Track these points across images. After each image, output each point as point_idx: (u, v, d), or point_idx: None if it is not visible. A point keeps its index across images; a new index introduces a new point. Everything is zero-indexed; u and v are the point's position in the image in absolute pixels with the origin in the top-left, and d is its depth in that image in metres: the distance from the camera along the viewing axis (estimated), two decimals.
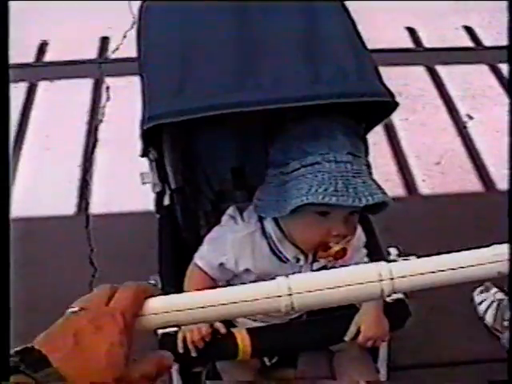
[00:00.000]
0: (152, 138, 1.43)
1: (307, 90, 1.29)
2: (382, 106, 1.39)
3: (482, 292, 2.28)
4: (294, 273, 1.21)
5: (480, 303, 2.26)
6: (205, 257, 1.42)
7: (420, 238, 2.39)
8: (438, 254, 0.79)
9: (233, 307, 0.72)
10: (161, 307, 0.70)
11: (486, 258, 0.77)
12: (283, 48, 1.41)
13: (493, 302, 2.21)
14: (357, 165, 1.28)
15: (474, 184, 2.84)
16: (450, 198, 2.76)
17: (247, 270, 1.40)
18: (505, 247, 0.78)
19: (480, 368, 2.14)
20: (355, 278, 0.74)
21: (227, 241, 1.41)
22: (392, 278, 0.75)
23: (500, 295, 2.23)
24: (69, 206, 2.73)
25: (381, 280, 0.74)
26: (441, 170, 2.90)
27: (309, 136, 1.27)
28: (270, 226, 1.39)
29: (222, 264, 1.41)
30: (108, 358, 0.62)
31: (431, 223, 2.58)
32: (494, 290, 2.26)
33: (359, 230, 1.48)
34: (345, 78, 1.32)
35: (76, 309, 0.66)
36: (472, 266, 0.77)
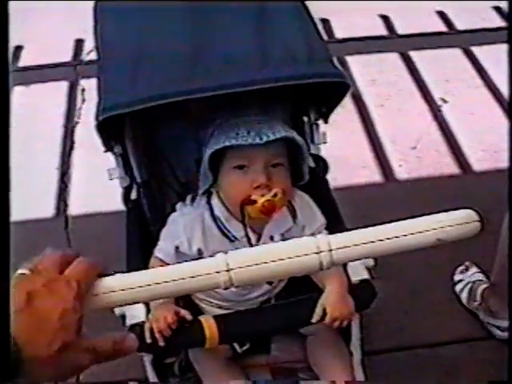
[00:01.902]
0: (112, 132, 1.44)
1: (257, 73, 1.30)
2: (336, 88, 1.40)
3: (461, 272, 2.30)
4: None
5: (457, 283, 2.27)
6: (162, 247, 1.46)
7: (396, 219, 2.40)
8: None
9: (175, 284, 0.74)
10: (116, 285, 0.71)
11: (425, 226, 0.78)
12: (233, 34, 1.42)
13: (469, 282, 2.23)
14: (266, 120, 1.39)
15: (450, 167, 2.85)
16: (427, 182, 2.77)
17: (200, 252, 1.43)
18: (443, 215, 0.79)
19: (462, 347, 2.16)
20: (293, 251, 0.75)
21: (179, 224, 1.47)
22: (330, 250, 0.75)
23: (478, 276, 2.24)
24: (47, 209, 2.73)
25: (319, 252, 0.75)
26: (417, 155, 2.91)
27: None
28: (217, 206, 1.43)
29: (177, 248, 1.45)
30: (61, 321, 0.62)
31: (409, 208, 2.55)
32: (474, 270, 2.27)
33: (317, 211, 1.50)
34: (294, 61, 1.33)
35: (26, 271, 0.67)
36: (411, 234, 0.78)
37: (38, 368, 0.61)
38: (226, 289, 0.75)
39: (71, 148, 3.00)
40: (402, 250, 0.79)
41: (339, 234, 0.78)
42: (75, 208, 2.74)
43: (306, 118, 1.64)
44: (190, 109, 1.46)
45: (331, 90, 1.42)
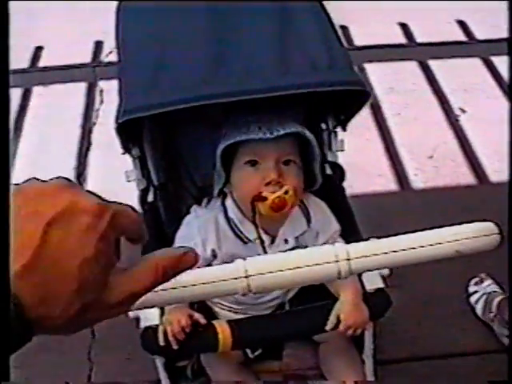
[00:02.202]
0: (131, 135, 1.45)
1: (278, 80, 1.31)
2: (356, 96, 1.40)
3: (476, 284, 2.28)
4: (258, 255, 1.24)
5: (472, 294, 2.26)
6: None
7: (410, 229, 2.39)
8: None
9: (193, 289, 0.73)
10: None
11: (444, 237, 0.78)
12: (255, 40, 1.43)
13: (484, 294, 2.21)
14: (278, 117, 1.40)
15: (466, 177, 2.84)
16: (443, 192, 2.76)
17: (214, 254, 1.43)
18: (463, 227, 0.79)
19: (475, 359, 2.14)
20: (312, 259, 0.75)
21: (193, 226, 1.48)
22: (349, 259, 0.75)
23: (493, 287, 2.23)
24: None
25: (337, 261, 0.75)
26: (433, 164, 2.90)
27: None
28: (230, 207, 1.44)
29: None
30: (79, 275, 0.47)
31: (424, 217, 2.56)
32: (488, 281, 2.26)
33: (332, 217, 1.50)
34: (315, 68, 1.34)
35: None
36: (430, 245, 0.78)
37: (54, 328, 0.48)
38: (243, 295, 0.75)
39: (88, 149, 3.02)
40: (421, 261, 0.79)
41: (358, 244, 0.78)
42: None
43: (323, 125, 1.64)
44: (209, 112, 1.47)
45: (351, 97, 1.42)
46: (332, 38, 1.44)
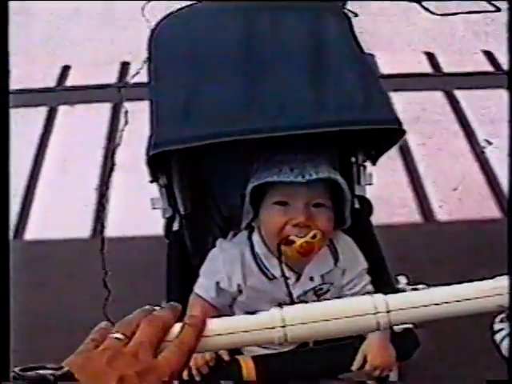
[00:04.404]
0: (160, 164, 1.44)
1: (312, 117, 1.29)
2: (390, 133, 1.38)
3: (501, 321, 2.24)
4: (287, 289, 1.22)
5: (498, 331, 2.22)
6: (202, 284, 1.45)
7: (436, 266, 2.36)
8: (453, 282, 0.78)
9: (229, 337, 0.72)
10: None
11: (486, 291, 0.76)
12: (289, 72, 1.42)
13: (510, 332, 2.17)
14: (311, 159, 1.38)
15: (491, 210, 2.80)
16: (468, 225, 2.72)
17: (240, 289, 1.42)
18: (505, 279, 0.77)
19: None
20: (350, 311, 0.74)
21: (219, 260, 1.46)
22: (388, 311, 0.74)
23: None
24: (84, 229, 2.74)
25: (377, 313, 0.73)
26: (458, 196, 2.86)
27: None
28: (257, 243, 1.42)
29: (218, 284, 1.43)
30: None
31: (448, 250, 2.55)
32: None
33: (360, 255, 1.48)
34: (351, 106, 1.32)
35: (120, 335, 0.65)
36: (471, 299, 0.76)
37: None
38: (280, 344, 0.73)
39: (111, 170, 3.02)
40: (461, 315, 0.77)
41: (397, 295, 0.76)
42: (112, 230, 2.74)
43: (353, 159, 1.63)
44: (239, 145, 1.46)
45: (385, 134, 1.40)
46: (367, 73, 1.43)
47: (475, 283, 0.78)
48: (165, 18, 1.64)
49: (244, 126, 1.28)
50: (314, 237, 1.33)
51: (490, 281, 0.78)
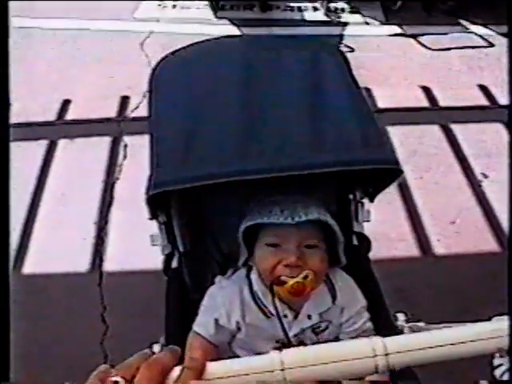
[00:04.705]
0: (159, 203, 1.45)
1: (310, 158, 1.31)
2: (388, 172, 1.39)
3: (501, 356, 2.23)
4: (282, 328, 1.22)
5: (497, 367, 2.20)
6: (201, 322, 1.44)
7: (434, 300, 2.36)
8: (452, 320, 0.78)
9: (232, 381, 0.73)
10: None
11: (485, 334, 0.76)
12: (287, 111, 1.43)
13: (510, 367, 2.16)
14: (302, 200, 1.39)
15: (489, 243, 2.81)
16: (466, 259, 2.73)
17: (238, 326, 1.42)
18: (505, 321, 0.77)
19: None
20: (348, 354, 0.74)
21: (218, 297, 1.46)
22: (387, 354, 0.74)
23: None
24: (83, 263, 2.74)
25: (375, 356, 0.74)
26: (456, 230, 2.88)
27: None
28: (255, 281, 1.43)
29: (216, 321, 1.43)
30: None
31: (446, 284, 2.55)
32: None
33: (358, 292, 1.48)
34: (348, 145, 1.34)
35: (120, 379, 0.66)
36: (470, 342, 0.76)
37: None
38: None
39: (110, 204, 3.03)
40: (461, 357, 0.77)
41: (395, 338, 0.77)
42: (110, 264, 2.75)
43: (351, 196, 1.64)
44: (237, 184, 1.47)
45: (383, 173, 1.41)
46: (364, 112, 1.45)
47: (474, 325, 0.78)
48: (166, 57, 1.66)
49: (242, 166, 1.29)
50: (305, 277, 1.33)
51: (489, 323, 0.78)
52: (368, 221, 1.68)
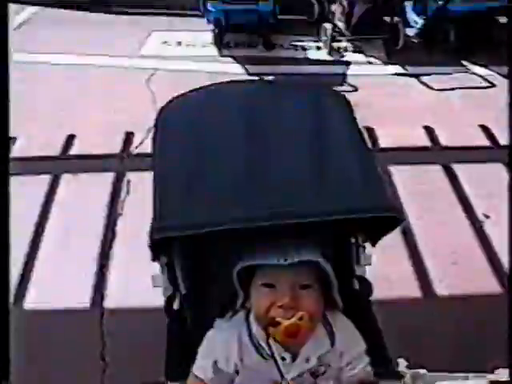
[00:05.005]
0: (161, 246, 1.46)
1: (313, 206, 1.32)
2: (389, 219, 1.41)
3: None
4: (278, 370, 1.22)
5: None
6: (200, 365, 1.45)
7: (436, 344, 2.35)
8: (454, 368, 0.78)
9: None
10: None
11: None
12: (287, 159, 1.45)
13: None
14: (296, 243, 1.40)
15: (491, 285, 2.80)
16: (467, 299, 2.71)
17: (237, 369, 1.43)
18: (505, 374, 0.78)
19: None
20: None
21: (217, 340, 1.46)
22: None
23: None
24: (83, 299, 2.74)
25: None
26: (457, 270, 2.87)
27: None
28: (253, 323, 1.43)
29: (215, 363, 1.43)
30: None
31: (448, 327, 2.53)
32: None
33: (358, 336, 1.48)
34: (350, 194, 1.35)
35: None
36: None
37: None
38: None
39: (112, 240, 3.04)
40: None
41: None
42: (111, 301, 2.74)
43: (353, 240, 1.65)
44: (238, 228, 1.49)
45: (384, 220, 1.42)
46: (366, 159, 1.46)
47: (475, 381, 0.79)
48: (172, 100, 1.69)
49: (245, 213, 1.31)
50: (300, 319, 1.34)
51: (490, 376, 0.79)
52: (369, 264, 1.68)
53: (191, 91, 1.70)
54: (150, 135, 3.41)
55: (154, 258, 1.53)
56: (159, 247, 1.44)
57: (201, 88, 1.69)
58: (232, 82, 1.72)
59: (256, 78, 4.25)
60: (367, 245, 1.66)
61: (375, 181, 1.41)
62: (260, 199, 1.34)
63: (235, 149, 1.48)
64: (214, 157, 1.47)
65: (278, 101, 1.61)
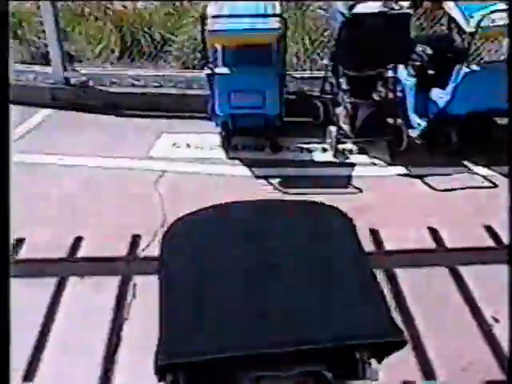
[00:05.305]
0: (167, 367, 1.47)
1: (316, 333, 1.35)
2: (393, 342, 1.41)
3: None
4: None
5: None
6: None
7: None
8: None
9: None
10: None
11: None
12: (289, 284, 1.48)
13: None
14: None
15: None
16: None
17: None
18: None
19: None
20: None
21: None
22: None
23: None
24: None
25: None
26: (467, 376, 2.82)
27: None
28: None
29: None
30: None
31: None
32: None
33: None
34: (354, 320, 1.37)
35: None
36: None
37: None
38: None
39: (117, 345, 3.01)
40: None
41: None
42: None
43: (358, 355, 1.64)
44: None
45: (388, 342, 1.43)
46: (369, 285, 1.49)
47: None
48: (179, 219, 1.74)
49: (249, 341, 1.33)
50: None
51: None
52: (376, 380, 1.67)
53: (201, 210, 1.74)
54: (157, 238, 3.46)
55: (161, 379, 1.54)
56: (165, 368, 1.45)
57: (206, 209, 1.74)
58: (236, 202, 1.77)
59: (262, 180, 4.35)
60: (373, 361, 1.65)
61: (377, 303, 1.43)
62: (264, 327, 1.38)
63: (241, 275, 1.52)
64: (216, 282, 1.51)
65: (278, 225, 1.66)
